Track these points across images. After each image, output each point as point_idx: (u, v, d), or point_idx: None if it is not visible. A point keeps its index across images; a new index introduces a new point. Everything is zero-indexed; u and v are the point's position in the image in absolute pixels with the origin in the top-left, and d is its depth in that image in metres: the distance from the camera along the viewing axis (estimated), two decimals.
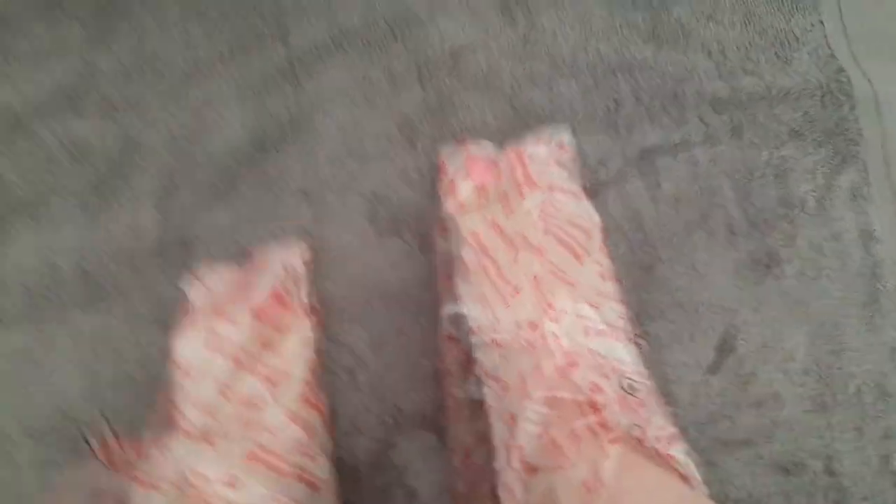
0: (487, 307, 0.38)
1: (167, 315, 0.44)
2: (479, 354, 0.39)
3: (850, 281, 0.43)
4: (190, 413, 0.36)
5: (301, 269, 0.43)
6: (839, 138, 0.45)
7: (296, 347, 0.41)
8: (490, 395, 0.38)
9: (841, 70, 0.45)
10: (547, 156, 0.41)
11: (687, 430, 0.39)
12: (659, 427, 0.34)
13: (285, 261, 0.42)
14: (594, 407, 0.35)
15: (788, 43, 0.46)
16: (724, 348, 0.43)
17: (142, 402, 0.44)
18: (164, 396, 0.37)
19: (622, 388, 0.35)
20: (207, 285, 0.42)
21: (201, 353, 0.38)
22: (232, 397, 0.38)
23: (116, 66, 0.48)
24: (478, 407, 0.41)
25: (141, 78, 0.48)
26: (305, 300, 0.43)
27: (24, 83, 0.48)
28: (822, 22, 0.46)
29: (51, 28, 0.49)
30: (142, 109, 0.48)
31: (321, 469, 0.39)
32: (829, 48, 0.46)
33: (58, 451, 0.44)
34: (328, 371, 0.44)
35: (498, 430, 0.37)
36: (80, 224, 0.47)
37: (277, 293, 0.41)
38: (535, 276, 0.38)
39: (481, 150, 0.43)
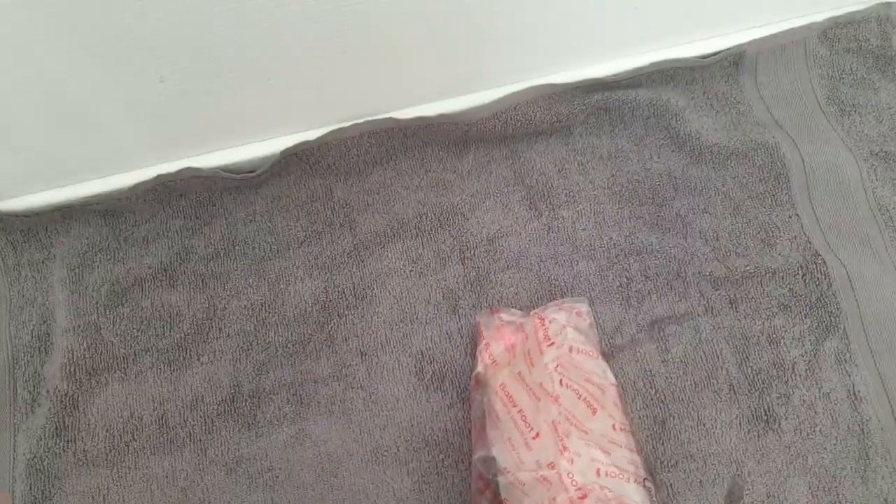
0: (513, 449, 0.55)
1: (231, 459, 0.61)
2: (505, 493, 0.55)
3: (843, 437, 0.59)
4: None
5: None
6: (822, 310, 0.63)
7: None
8: None
9: (817, 254, 0.64)
10: (565, 321, 0.60)
11: None
12: None
13: None
14: None
15: (771, 231, 0.66)
16: (733, 498, 0.57)
17: None
18: None
19: None
20: None
21: None
22: None
23: (208, 247, 0.69)
24: None
25: (227, 256, 0.69)
26: None
27: (131, 261, 0.69)
28: (798, 215, 0.66)
29: (157, 219, 0.71)
30: (226, 282, 0.68)
31: None
32: (806, 235, 0.65)
33: None
34: None
35: None
36: (163, 377, 0.65)
37: None
38: (553, 421, 0.54)
39: (511, 315, 0.62)
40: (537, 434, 0.54)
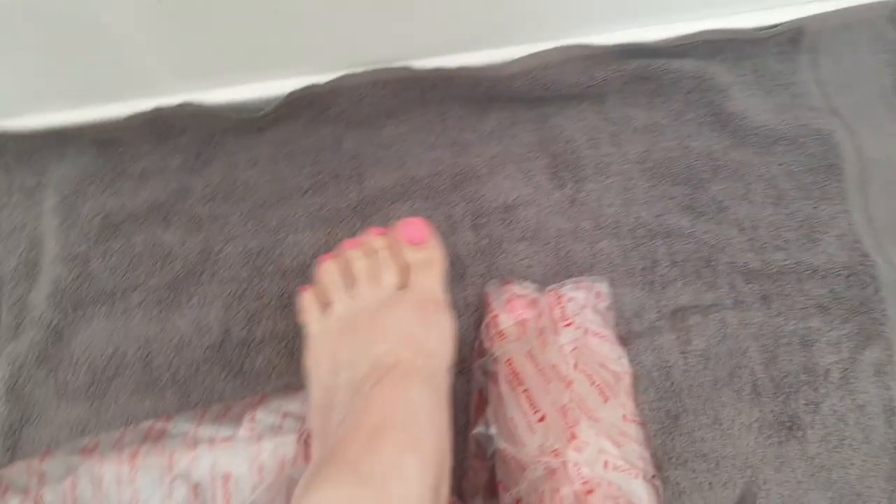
0: (514, 430, 0.52)
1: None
2: (501, 474, 0.52)
3: (874, 454, 0.55)
4: None
5: None
6: (864, 316, 0.59)
7: None
8: None
9: (866, 255, 0.60)
10: (584, 301, 0.56)
11: None
12: None
13: None
14: None
15: (816, 226, 0.62)
16: None
17: None
18: None
19: None
20: None
21: None
22: None
23: (206, 188, 0.67)
24: None
25: (226, 200, 0.67)
26: None
27: (126, 196, 0.67)
28: (847, 211, 0.62)
29: (155, 155, 0.69)
30: (223, 225, 0.66)
31: None
32: (855, 234, 0.61)
33: None
34: None
35: None
36: (150, 316, 0.63)
37: None
38: (562, 406, 0.51)
39: (524, 289, 0.59)
40: (542, 417, 0.51)
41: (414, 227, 0.53)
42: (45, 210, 0.67)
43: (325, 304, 0.53)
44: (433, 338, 0.49)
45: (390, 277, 0.52)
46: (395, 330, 0.49)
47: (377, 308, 0.50)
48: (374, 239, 0.54)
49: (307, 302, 0.53)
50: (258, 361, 0.61)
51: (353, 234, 0.64)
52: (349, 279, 0.52)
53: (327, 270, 0.53)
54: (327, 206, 0.66)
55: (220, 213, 0.66)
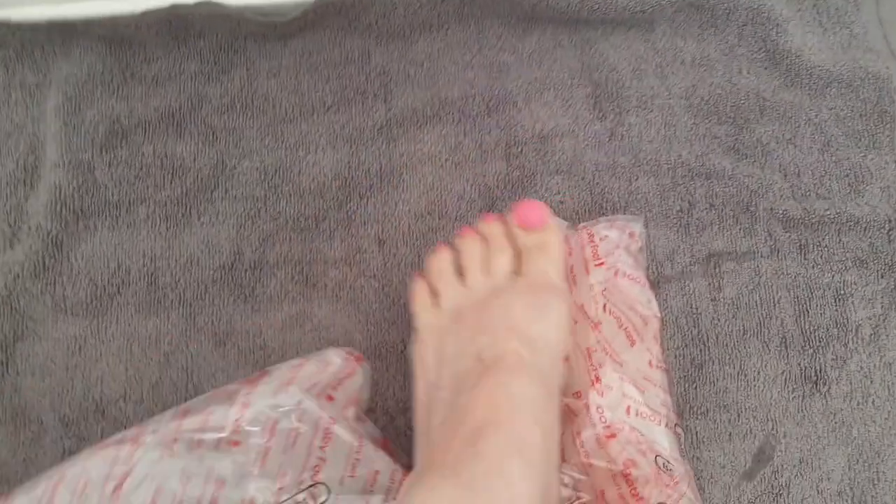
0: None
1: (222, 331, 0.58)
2: None
3: None
4: None
5: None
6: None
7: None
8: None
9: None
10: (617, 240, 0.54)
11: None
12: None
13: None
14: (628, 479, 0.46)
15: (862, 175, 0.60)
16: (762, 457, 0.54)
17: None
18: None
19: (657, 465, 0.47)
20: None
21: None
22: None
23: (223, 98, 0.63)
24: None
25: (244, 111, 0.63)
26: None
27: (137, 102, 0.63)
28: None
29: (170, 58, 0.64)
30: (239, 139, 0.62)
31: None
32: None
33: (80, 442, 0.55)
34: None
35: None
36: (157, 232, 0.60)
37: None
38: (588, 348, 0.50)
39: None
40: (567, 358, 0.50)
41: (531, 210, 0.50)
42: (47, 111, 0.62)
43: (435, 295, 0.50)
44: (544, 326, 0.47)
45: (503, 264, 0.50)
46: (502, 320, 0.46)
47: (487, 298, 0.48)
48: (490, 225, 0.52)
49: (418, 291, 0.51)
50: (271, 286, 0.59)
51: (376, 156, 0.61)
52: (460, 269, 0.50)
53: (439, 259, 0.51)
54: (351, 125, 0.62)
55: (237, 125, 0.62)
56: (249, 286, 0.59)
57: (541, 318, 0.46)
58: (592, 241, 0.55)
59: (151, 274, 0.59)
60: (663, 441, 0.48)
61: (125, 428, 0.56)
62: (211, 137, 0.62)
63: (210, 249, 0.60)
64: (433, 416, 0.44)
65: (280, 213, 0.60)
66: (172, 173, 0.61)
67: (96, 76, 0.63)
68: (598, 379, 0.48)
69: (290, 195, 0.61)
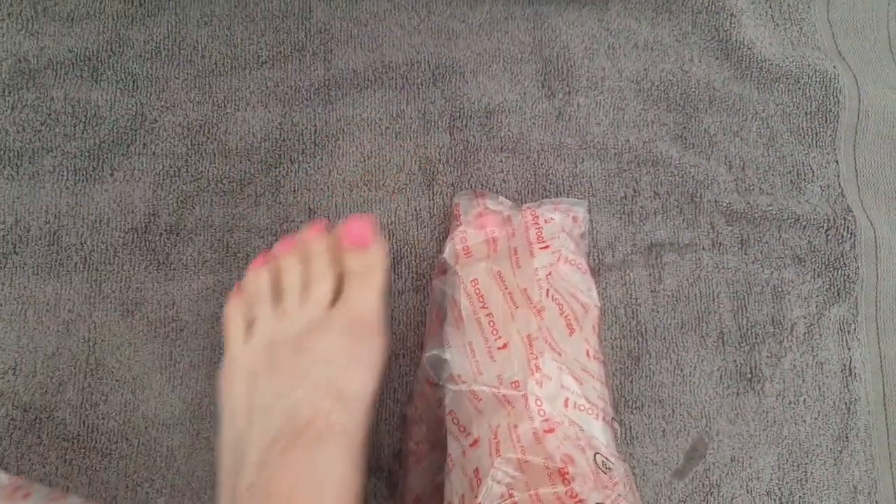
0: (473, 357, 0.47)
1: (131, 300, 0.52)
2: (452, 404, 0.48)
3: (826, 412, 0.54)
4: None
5: None
6: (837, 272, 0.56)
7: None
8: (455, 447, 0.46)
9: (848, 210, 0.57)
10: (561, 224, 0.51)
11: None
12: None
13: None
14: (564, 477, 0.43)
15: (804, 173, 0.58)
16: (695, 455, 0.52)
17: (72, 386, 0.51)
18: None
19: (596, 463, 0.44)
20: None
21: None
22: None
23: (147, 44, 0.57)
24: (437, 457, 0.49)
25: (170, 60, 0.57)
26: None
27: (49, 40, 0.56)
28: (837, 161, 0.59)
29: None
30: (162, 90, 0.56)
31: None
32: (840, 187, 0.58)
33: None
34: None
35: (457, 484, 0.45)
36: (63, 186, 0.54)
37: None
38: (528, 335, 0.46)
39: (498, 204, 0.53)
40: (505, 344, 0.46)
41: (358, 228, 0.46)
42: None
43: (250, 323, 0.46)
44: (359, 377, 0.44)
45: (323, 293, 0.46)
46: (318, 372, 0.43)
47: (303, 334, 0.44)
48: (311, 240, 0.47)
49: (232, 314, 0.46)
50: (187, 253, 0.53)
51: (311, 118, 0.56)
52: (277, 292, 0.46)
53: (257, 277, 0.46)
54: (286, 83, 0.57)
55: (161, 74, 0.56)
56: (164, 252, 0.53)
57: (356, 366, 0.44)
58: (537, 223, 0.51)
59: (54, 233, 0.53)
60: (601, 437, 0.45)
61: (13, 406, 0.51)
62: (131, 86, 0.56)
63: (122, 209, 0.54)
64: (241, 476, 0.42)
65: (202, 173, 0.55)
66: (85, 122, 0.55)
67: (3, 7, 0.56)
68: (537, 368, 0.45)
69: (215, 155, 0.55)
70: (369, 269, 0.46)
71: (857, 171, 0.59)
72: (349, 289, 0.46)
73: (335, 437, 0.42)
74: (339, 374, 0.44)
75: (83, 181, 0.54)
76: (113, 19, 0.57)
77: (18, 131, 0.54)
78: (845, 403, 0.54)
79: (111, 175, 0.54)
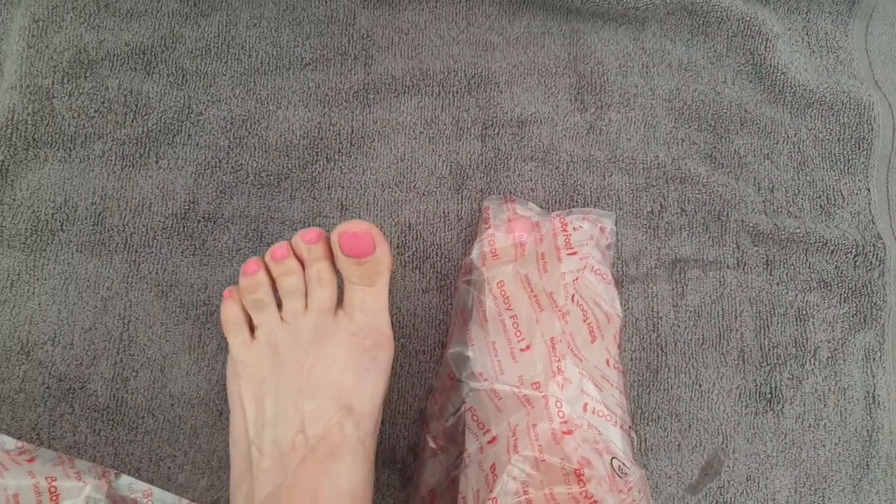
0: (495, 356, 0.47)
1: (166, 281, 0.54)
2: (472, 401, 0.48)
3: (847, 438, 0.52)
4: None
5: None
6: (864, 299, 0.55)
7: None
8: (473, 443, 0.46)
9: (878, 237, 0.56)
10: (589, 233, 0.52)
11: None
12: None
13: None
14: (580, 478, 0.43)
15: (834, 198, 0.58)
16: (710, 471, 0.51)
17: (105, 360, 0.52)
18: None
19: (613, 468, 0.44)
20: None
21: None
22: None
23: (199, 41, 0.59)
24: (454, 453, 0.49)
25: (218, 57, 0.59)
26: None
27: (108, 34, 0.58)
28: (868, 189, 0.58)
29: None
30: (210, 85, 0.58)
31: None
32: (871, 214, 0.57)
33: (2, 383, 0.51)
34: None
35: (473, 479, 0.45)
36: (111, 171, 0.55)
37: None
38: (552, 338, 0.46)
39: (527, 210, 0.53)
40: (528, 346, 0.46)
41: (356, 241, 0.44)
42: (13, 31, 0.57)
43: (251, 327, 0.46)
44: (367, 384, 0.44)
45: (325, 299, 0.45)
46: (327, 385, 0.43)
47: (309, 346, 0.44)
48: (309, 249, 0.46)
49: (230, 316, 0.46)
50: (222, 240, 0.55)
51: (349, 119, 0.58)
52: (279, 295, 0.46)
53: (255, 284, 0.46)
54: (327, 85, 0.58)
55: (209, 70, 0.58)
56: (200, 238, 0.55)
57: (363, 378, 0.44)
58: (566, 230, 0.51)
59: (99, 214, 0.55)
60: (619, 443, 0.45)
61: (49, 375, 0.53)
62: (181, 80, 0.58)
63: (164, 195, 0.55)
64: (258, 485, 0.42)
65: (242, 166, 0.56)
66: (135, 112, 0.57)
67: (68, 1, 0.58)
68: (559, 371, 0.45)
69: (255, 149, 0.56)
70: (373, 273, 0.45)
71: (889, 199, 0.58)
72: (353, 296, 0.45)
73: (351, 448, 0.42)
74: (348, 390, 0.44)
75: (129, 167, 0.56)
76: (168, 17, 0.59)
77: (74, 117, 0.57)
78: (867, 431, 0.53)
79: (156, 163, 0.56)
